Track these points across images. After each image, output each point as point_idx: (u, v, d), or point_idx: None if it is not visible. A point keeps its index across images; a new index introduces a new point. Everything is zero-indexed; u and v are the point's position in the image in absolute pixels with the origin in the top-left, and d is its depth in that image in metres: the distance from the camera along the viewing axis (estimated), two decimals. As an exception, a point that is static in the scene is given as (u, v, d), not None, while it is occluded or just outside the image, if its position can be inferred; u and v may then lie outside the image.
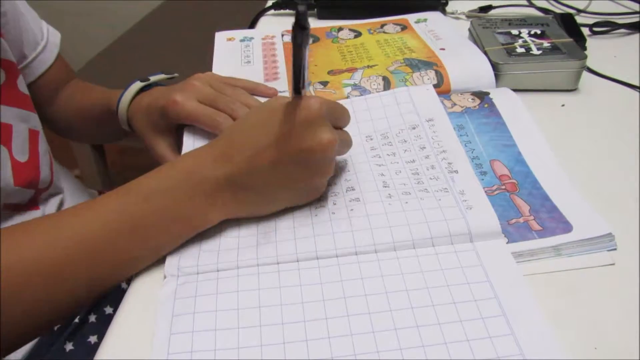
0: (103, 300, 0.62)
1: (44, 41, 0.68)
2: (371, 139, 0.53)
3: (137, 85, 0.61)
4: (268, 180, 0.43)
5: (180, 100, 0.53)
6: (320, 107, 0.42)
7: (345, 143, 0.47)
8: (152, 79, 0.62)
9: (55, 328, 0.59)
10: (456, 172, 0.48)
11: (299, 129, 0.42)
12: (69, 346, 0.58)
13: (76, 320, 0.60)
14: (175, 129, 0.57)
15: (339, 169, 0.50)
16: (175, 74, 0.65)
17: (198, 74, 0.57)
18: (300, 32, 0.36)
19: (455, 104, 0.57)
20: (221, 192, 0.43)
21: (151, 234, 0.42)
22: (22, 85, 0.61)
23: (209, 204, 0.43)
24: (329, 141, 0.42)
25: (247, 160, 0.42)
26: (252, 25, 0.79)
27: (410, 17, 0.74)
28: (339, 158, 0.50)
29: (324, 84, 0.60)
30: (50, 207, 0.64)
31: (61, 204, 0.66)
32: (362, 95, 0.58)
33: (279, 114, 0.42)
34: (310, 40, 0.69)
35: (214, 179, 0.43)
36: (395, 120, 0.55)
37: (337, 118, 0.45)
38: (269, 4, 0.80)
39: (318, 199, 0.47)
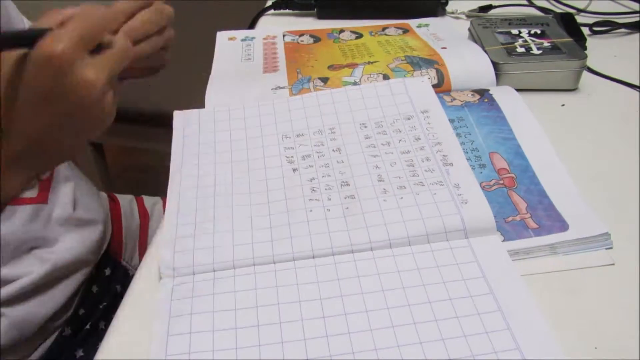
0: (112, 308, 0.62)
1: None
2: (365, 127, 0.53)
3: None
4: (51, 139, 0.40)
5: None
6: (64, 47, 0.35)
7: (121, 56, 0.40)
8: None
9: (66, 334, 0.58)
10: (451, 164, 0.48)
11: (49, 85, 0.36)
12: (79, 352, 0.58)
13: (87, 326, 0.60)
14: None
15: (333, 160, 0.49)
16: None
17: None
18: None
19: (454, 99, 0.57)
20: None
21: None
22: None
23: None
24: (91, 82, 0.37)
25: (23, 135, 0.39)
26: (252, 25, 0.79)
27: (412, 22, 0.74)
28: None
29: (324, 80, 0.60)
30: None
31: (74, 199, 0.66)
32: None
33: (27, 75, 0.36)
34: (312, 40, 0.69)
35: None
36: (390, 110, 0.55)
37: (95, 35, 0.38)
38: (269, 3, 0.80)
39: (311, 192, 0.46)
